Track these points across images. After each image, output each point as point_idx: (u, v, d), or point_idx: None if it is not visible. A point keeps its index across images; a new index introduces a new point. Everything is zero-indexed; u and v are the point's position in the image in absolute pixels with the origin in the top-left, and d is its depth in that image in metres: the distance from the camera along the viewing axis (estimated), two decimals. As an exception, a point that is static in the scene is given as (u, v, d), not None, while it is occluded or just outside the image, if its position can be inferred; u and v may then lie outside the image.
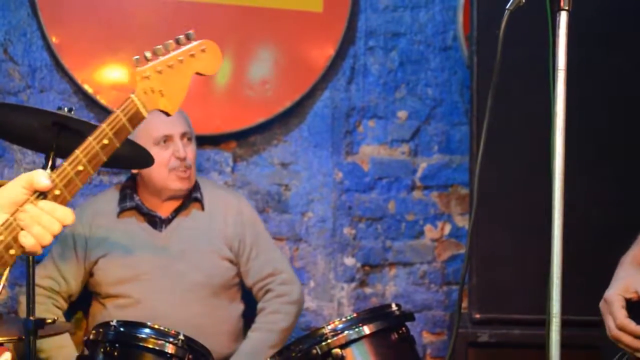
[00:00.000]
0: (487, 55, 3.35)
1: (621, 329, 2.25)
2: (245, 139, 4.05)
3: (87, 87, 3.87)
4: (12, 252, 1.86)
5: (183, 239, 3.49)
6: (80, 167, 1.91)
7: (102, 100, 3.86)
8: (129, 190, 3.54)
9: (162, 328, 2.89)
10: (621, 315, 2.26)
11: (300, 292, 3.60)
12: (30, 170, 1.90)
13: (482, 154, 2.24)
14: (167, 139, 3.43)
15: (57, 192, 1.88)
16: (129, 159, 3.03)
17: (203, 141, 3.94)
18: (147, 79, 1.99)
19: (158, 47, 2.01)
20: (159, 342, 2.82)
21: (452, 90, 4.12)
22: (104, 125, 1.93)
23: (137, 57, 2.00)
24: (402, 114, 4.14)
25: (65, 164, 1.90)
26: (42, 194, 1.88)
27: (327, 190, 4.10)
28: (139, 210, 3.51)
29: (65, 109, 2.74)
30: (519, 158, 3.35)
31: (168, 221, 3.51)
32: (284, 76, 3.99)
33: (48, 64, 3.87)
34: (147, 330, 2.87)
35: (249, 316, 3.62)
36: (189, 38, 2.05)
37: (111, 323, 2.88)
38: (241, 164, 4.06)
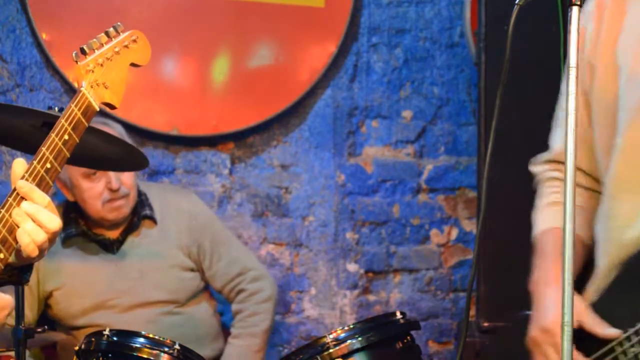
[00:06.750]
0: (495, 52, 3.34)
1: None
2: (243, 140, 4.03)
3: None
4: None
5: (139, 258, 3.37)
6: (49, 165, 1.96)
7: (94, 99, 3.80)
8: (73, 214, 3.36)
9: (156, 337, 2.85)
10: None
11: (272, 286, 3.55)
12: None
13: (491, 155, 2.20)
14: (96, 171, 3.23)
15: None
16: (120, 160, 2.91)
17: (199, 142, 3.95)
18: (91, 72, 2.04)
19: (92, 40, 2.06)
20: (154, 351, 2.80)
21: (459, 88, 4.13)
22: (62, 120, 1.97)
23: (75, 52, 2.05)
24: (406, 114, 4.13)
25: (35, 162, 1.94)
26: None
27: (328, 193, 4.08)
28: (86, 236, 3.35)
29: (56, 109, 2.65)
30: (528, 159, 3.28)
31: (119, 242, 3.37)
32: (284, 74, 3.98)
33: (38, 61, 3.84)
34: (141, 340, 2.84)
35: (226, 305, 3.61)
36: (117, 30, 2.12)
37: (104, 332, 2.82)
38: (239, 165, 4.04)
